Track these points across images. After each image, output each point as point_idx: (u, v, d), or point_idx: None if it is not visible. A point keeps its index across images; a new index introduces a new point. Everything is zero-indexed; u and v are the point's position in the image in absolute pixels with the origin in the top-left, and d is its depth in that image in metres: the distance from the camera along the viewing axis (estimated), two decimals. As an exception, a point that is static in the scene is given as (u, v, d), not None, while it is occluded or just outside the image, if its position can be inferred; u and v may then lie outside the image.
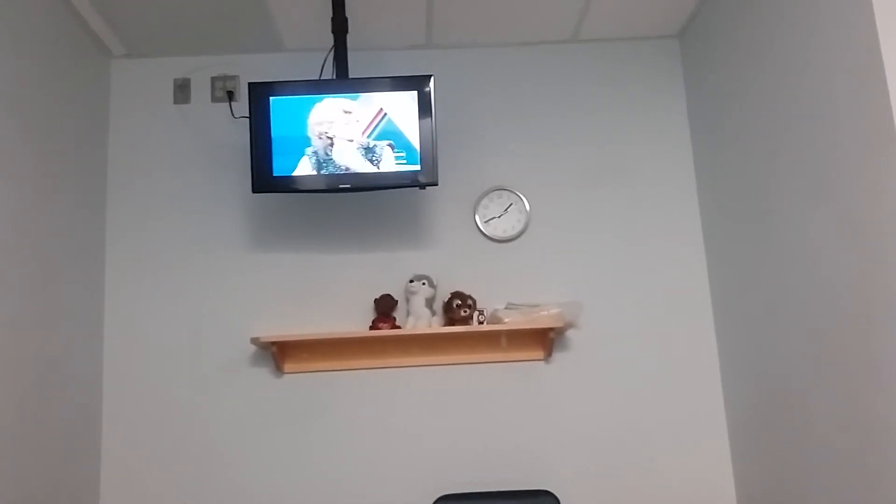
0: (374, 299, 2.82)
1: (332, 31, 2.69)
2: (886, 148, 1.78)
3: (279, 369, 2.80)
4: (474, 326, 2.75)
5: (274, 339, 2.69)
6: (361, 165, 2.56)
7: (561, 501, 2.68)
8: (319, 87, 2.61)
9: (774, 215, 2.36)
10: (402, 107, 2.58)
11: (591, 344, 2.86)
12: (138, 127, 2.97)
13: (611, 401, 2.83)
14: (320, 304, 2.86)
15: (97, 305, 2.81)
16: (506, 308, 2.77)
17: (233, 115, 2.95)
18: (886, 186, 1.79)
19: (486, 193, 2.94)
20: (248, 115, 2.61)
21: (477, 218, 2.93)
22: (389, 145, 2.57)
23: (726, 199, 2.72)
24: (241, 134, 2.91)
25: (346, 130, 2.57)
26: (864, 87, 1.86)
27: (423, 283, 2.76)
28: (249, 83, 2.62)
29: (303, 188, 2.58)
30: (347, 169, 2.56)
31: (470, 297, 2.77)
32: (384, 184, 2.59)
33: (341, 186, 2.57)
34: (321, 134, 2.57)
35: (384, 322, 2.76)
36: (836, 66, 1.98)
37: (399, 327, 2.77)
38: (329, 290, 2.87)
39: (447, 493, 2.73)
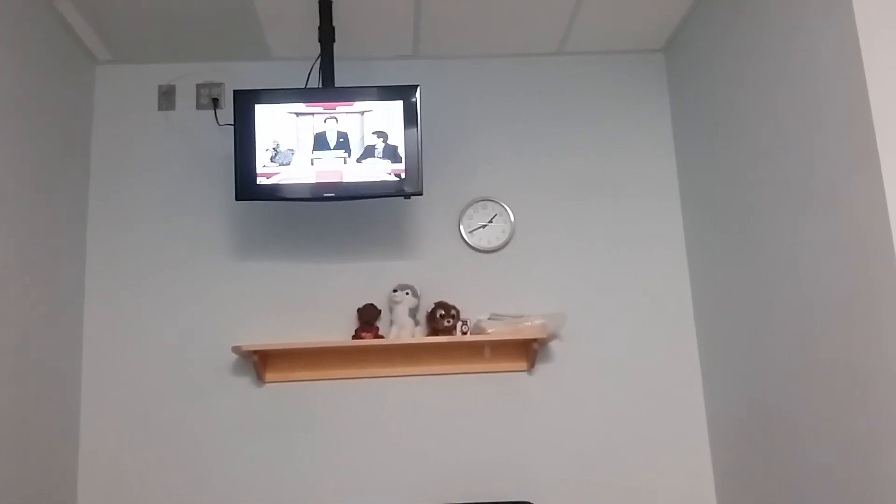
0: (357, 308, 2.80)
1: (319, 40, 2.69)
2: (869, 160, 1.79)
3: (261, 378, 2.77)
4: (457, 337, 2.74)
5: (255, 348, 2.67)
6: (346, 174, 2.56)
7: (543, 513, 2.68)
8: (305, 95, 2.60)
9: (758, 227, 2.38)
10: (388, 116, 2.58)
11: (574, 355, 2.86)
12: (122, 133, 2.95)
13: (593, 412, 2.82)
14: (303, 313, 2.85)
15: (77, 312, 2.77)
16: (489, 318, 2.77)
17: (217, 122, 2.94)
18: (869, 199, 1.80)
19: (470, 204, 2.94)
20: (232, 123, 2.61)
21: (461, 228, 2.93)
22: (375, 155, 2.57)
23: (710, 211, 2.73)
24: (225, 141, 2.90)
25: (331, 139, 2.57)
26: (846, 100, 1.88)
27: (407, 293, 2.75)
28: (235, 91, 2.61)
29: (287, 196, 2.57)
30: (332, 178, 2.56)
31: (454, 308, 2.77)
32: (369, 193, 2.58)
33: (325, 195, 2.56)
34: (305, 142, 2.56)
35: (367, 331, 2.75)
36: (820, 78, 2.00)
37: (382, 337, 2.76)
38: (312, 298, 2.86)
39: (429, 503, 2.73)
